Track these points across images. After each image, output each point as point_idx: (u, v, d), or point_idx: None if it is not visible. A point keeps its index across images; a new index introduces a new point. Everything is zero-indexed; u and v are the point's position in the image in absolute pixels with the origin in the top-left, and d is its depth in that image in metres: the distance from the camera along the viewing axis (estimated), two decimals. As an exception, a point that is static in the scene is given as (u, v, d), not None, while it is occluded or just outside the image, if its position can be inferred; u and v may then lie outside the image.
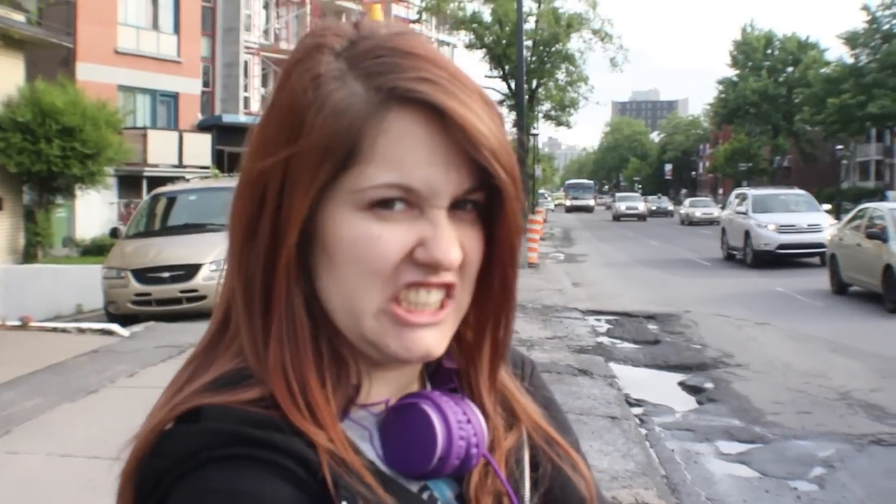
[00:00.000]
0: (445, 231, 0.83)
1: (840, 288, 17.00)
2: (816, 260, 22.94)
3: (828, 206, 29.86)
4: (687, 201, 62.87)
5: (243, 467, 0.76)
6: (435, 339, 0.86)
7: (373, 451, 0.87)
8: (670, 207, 75.85)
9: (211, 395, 0.81)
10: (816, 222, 22.89)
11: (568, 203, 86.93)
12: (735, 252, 24.93)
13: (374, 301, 0.83)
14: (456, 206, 0.85)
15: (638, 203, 65.59)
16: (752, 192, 25.95)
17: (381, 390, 0.90)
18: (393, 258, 0.82)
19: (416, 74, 0.81)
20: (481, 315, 0.93)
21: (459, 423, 0.86)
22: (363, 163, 0.81)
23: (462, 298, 0.88)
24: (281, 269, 0.84)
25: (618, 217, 62.42)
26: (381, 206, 0.82)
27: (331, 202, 0.83)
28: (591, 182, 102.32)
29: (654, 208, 71.77)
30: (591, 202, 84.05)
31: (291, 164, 0.82)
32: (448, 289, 0.86)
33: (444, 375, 0.95)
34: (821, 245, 21.85)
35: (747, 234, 23.45)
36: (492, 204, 0.87)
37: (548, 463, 0.97)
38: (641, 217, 62.21)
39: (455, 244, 0.84)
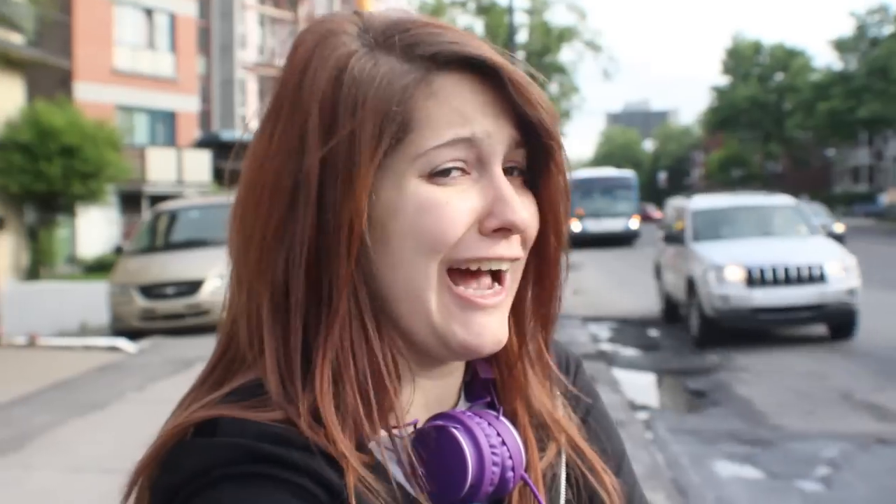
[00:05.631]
0: (510, 189, 0.80)
1: None
2: (822, 329, 12.18)
3: (836, 224, 18.47)
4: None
5: (257, 486, 0.71)
6: (500, 325, 0.82)
7: (402, 473, 0.80)
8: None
9: (227, 408, 0.76)
10: (815, 259, 11.62)
11: (576, 228, 35.01)
12: (679, 306, 13.82)
13: (433, 277, 0.79)
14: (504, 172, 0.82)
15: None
16: (692, 204, 14.41)
17: (420, 401, 0.84)
18: (462, 223, 0.78)
19: (452, 39, 0.79)
20: (530, 303, 0.88)
21: (493, 447, 0.80)
22: (419, 129, 0.78)
23: (515, 278, 0.84)
24: (343, 264, 0.77)
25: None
26: (440, 174, 0.78)
27: (387, 177, 0.78)
28: (630, 175, 42.65)
29: None
30: (631, 224, 38.17)
31: (337, 150, 0.77)
32: (500, 273, 0.82)
33: (480, 387, 0.89)
34: (820, 307, 11.39)
35: (690, 284, 12.39)
36: (533, 171, 0.85)
37: (581, 478, 0.91)
38: None
39: (521, 203, 0.80)
